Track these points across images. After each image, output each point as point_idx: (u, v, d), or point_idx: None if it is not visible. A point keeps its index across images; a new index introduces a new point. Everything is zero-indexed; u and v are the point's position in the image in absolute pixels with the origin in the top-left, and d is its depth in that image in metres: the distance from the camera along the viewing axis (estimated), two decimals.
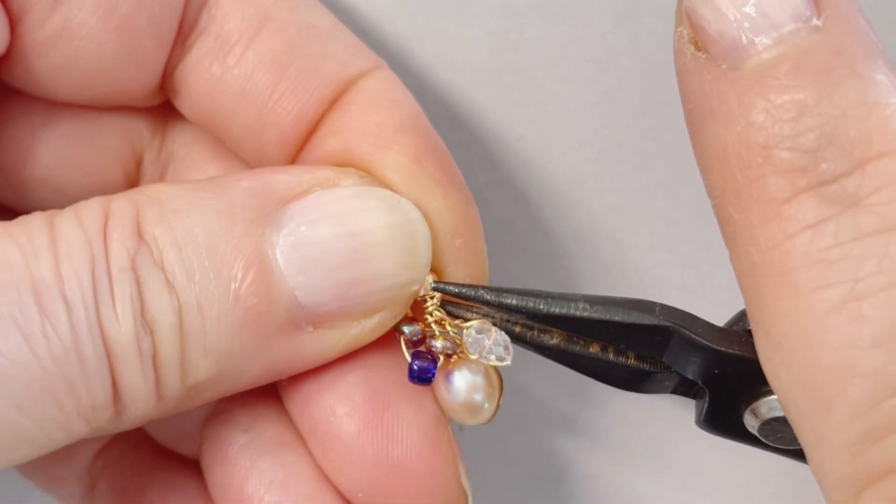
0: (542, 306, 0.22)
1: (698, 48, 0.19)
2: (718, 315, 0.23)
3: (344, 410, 0.24)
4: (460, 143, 0.29)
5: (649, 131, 0.29)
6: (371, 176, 0.24)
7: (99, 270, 0.20)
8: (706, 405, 0.23)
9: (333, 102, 0.24)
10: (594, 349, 0.23)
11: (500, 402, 0.24)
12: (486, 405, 0.24)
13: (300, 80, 0.24)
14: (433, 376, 0.23)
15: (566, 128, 0.29)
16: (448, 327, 0.23)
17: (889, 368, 0.17)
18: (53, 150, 0.26)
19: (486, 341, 0.23)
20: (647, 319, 0.22)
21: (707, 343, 0.22)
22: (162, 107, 0.26)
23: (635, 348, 0.23)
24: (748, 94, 0.18)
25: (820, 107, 0.18)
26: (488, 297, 0.23)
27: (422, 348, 0.24)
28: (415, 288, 0.23)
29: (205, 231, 0.21)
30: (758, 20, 0.18)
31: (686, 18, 0.20)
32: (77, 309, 0.20)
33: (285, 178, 0.22)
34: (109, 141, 0.27)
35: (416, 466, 0.24)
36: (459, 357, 0.23)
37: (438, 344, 0.23)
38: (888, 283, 0.17)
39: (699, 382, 0.23)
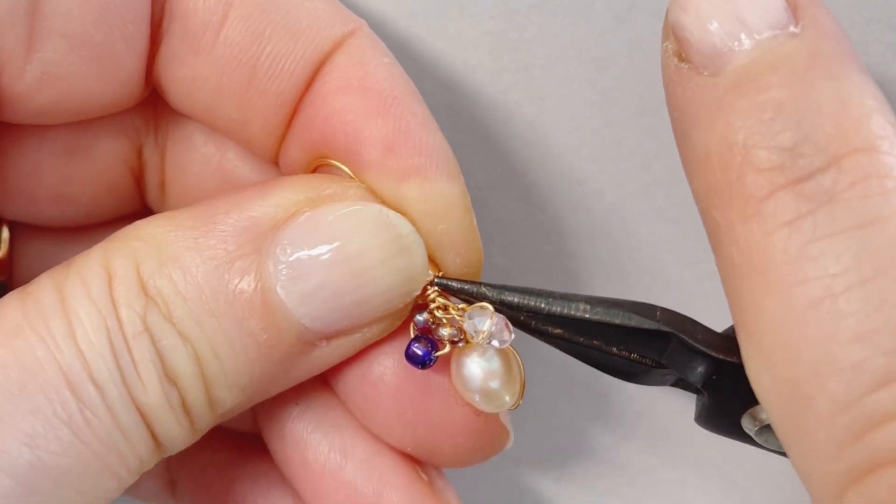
0: (542, 305, 0.23)
1: (681, 59, 0.20)
2: (717, 313, 0.23)
3: (378, 376, 0.25)
4: (460, 143, 0.29)
5: (649, 131, 0.29)
6: (352, 178, 0.24)
7: (117, 342, 0.21)
8: (705, 405, 0.23)
9: (309, 84, 0.24)
10: (597, 342, 0.23)
11: (523, 391, 0.24)
12: (506, 396, 0.24)
13: (273, 69, 0.24)
14: (429, 361, 0.24)
15: (566, 128, 0.29)
16: (452, 312, 0.24)
17: (868, 363, 0.17)
18: (55, 168, 0.26)
19: (484, 325, 0.23)
20: (646, 324, 0.22)
21: (706, 350, 0.22)
22: (151, 94, 0.26)
23: (635, 350, 0.23)
24: (727, 97, 0.19)
25: (796, 104, 0.18)
26: (490, 295, 0.23)
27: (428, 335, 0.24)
28: (416, 294, 0.23)
29: (204, 275, 0.22)
30: (738, 29, 0.19)
31: (671, 33, 0.20)
32: (108, 387, 0.21)
33: (271, 209, 0.22)
34: (108, 144, 0.27)
35: (454, 416, 0.25)
36: (468, 343, 0.24)
37: (445, 332, 0.24)
38: (864, 277, 0.17)
39: (698, 385, 0.23)
